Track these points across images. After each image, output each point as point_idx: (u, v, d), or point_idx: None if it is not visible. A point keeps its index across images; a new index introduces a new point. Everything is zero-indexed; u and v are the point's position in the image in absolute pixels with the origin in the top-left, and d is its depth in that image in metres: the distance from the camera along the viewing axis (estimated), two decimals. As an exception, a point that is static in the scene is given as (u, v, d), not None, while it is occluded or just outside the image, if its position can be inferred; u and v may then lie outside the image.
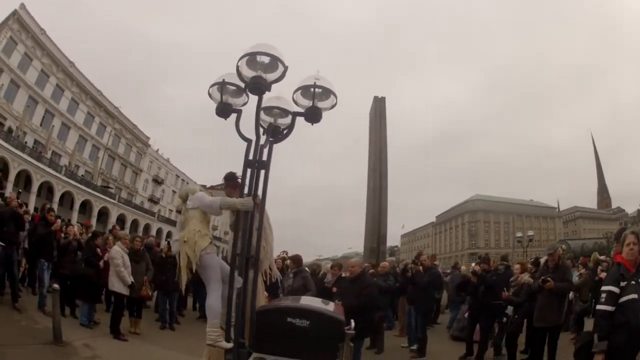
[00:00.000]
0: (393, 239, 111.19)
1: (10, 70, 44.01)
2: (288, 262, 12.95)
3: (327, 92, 5.08)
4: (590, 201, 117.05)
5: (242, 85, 5.04)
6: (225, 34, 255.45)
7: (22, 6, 44.77)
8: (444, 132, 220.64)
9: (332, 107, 5.24)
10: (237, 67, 4.83)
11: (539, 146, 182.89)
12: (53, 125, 50.23)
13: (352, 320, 5.10)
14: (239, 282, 4.99)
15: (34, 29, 46.36)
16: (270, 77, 4.88)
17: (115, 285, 9.80)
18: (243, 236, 4.99)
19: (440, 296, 12.67)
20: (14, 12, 43.78)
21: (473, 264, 13.41)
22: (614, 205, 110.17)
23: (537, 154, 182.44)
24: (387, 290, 11.36)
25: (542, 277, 8.20)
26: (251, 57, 4.78)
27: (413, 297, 11.06)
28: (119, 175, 65.54)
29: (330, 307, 5.61)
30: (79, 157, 55.19)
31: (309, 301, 6.13)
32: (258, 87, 4.84)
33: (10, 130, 43.58)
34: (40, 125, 49.45)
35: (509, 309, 9.05)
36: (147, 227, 66.33)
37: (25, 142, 45.34)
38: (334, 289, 9.01)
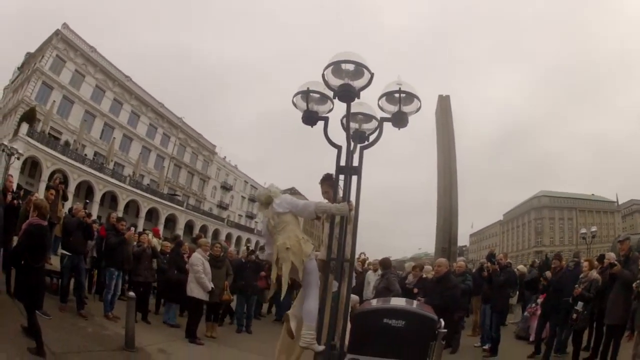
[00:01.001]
0: (462, 238, 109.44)
1: (62, 87, 45.93)
2: (368, 264, 13.21)
3: (410, 97, 5.14)
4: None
5: (326, 92, 5.15)
6: (283, 43, 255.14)
7: (65, 25, 46.46)
8: (505, 131, 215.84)
9: (417, 110, 5.29)
10: (323, 75, 4.92)
11: (596, 140, 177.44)
12: (114, 137, 51.75)
13: (442, 320, 5.15)
14: (334, 286, 5.16)
15: (82, 47, 48.12)
16: (358, 84, 4.95)
17: (195, 291, 10.03)
18: (337, 240, 5.11)
19: (515, 295, 12.56)
20: (57, 32, 45.51)
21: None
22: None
23: (595, 148, 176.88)
24: (466, 291, 11.37)
25: (611, 262, 8.26)
26: (336, 66, 4.86)
27: (488, 296, 11.09)
28: (186, 183, 67.12)
29: (422, 306, 5.72)
30: (143, 167, 56.55)
31: (399, 301, 6.26)
32: (347, 94, 4.92)
33: (67, 143, 45.18)
34: (100, 137, 51.21)
35: (579, 305, 8.94)
36: (216, 232, 67.28)
37: (85, 155, 46.92)
38: (415, 290, 9.10)
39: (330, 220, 5.27)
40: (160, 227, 52.82)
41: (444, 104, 35.78)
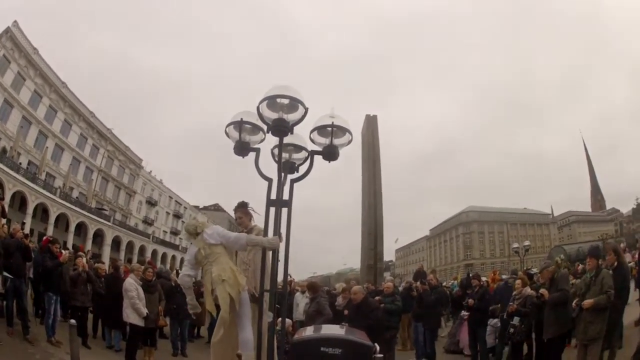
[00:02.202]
0: (388, 253, 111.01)
1: (4, 89, 43.72)
2: (295, 285, 13.30)
3: (342, 130, 5.24)
4: (584, 205, 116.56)
5: (259, 123, 5.19)
6: (210, 60, 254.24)
7: (15, 23, 44.49)
8: (434, 148, 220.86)
9: (349, 143, 5.41)
10: (258, 109, 4.96)
11: (530, 156, 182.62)
12: (47, 147, 49.93)
13: (377, 345, 5.34)
14: (269, 316, 5.22)
15: (26, 48, 46.07)
16: (292, 117, 5.03)
17: (131, 317, 9.90)
18: (266, 273, 5.22)
19: (447, 312, 12.92)
20: (7, 30, 43.47)
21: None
22: (608, 207, 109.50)
23: (529, 164, 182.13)
24: (395, 311, 11.57)
25: (539, 291, 8.69)
26: (271, 100, 4.93)
27: (419, 315, 11.48)
28: (113, 197, 65.13)
29: (356, 334, 5.82)
30: (73, 179, 54.82)
31: (334, 329, 6.36)
32: (281, 130, 5.01)
33: (4, 150, 43.45)
34: (34, 146, 49.25)
35: (515, 320, 9.26)
36: (142, 249, 66.01)
37: (20, 163, 44.94)
38: (346, 312, 9.22)
39: (262, 254, 5.27)
40: (88, 243, 52.38)
41: (370, 123, 36.48)
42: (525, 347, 9.66)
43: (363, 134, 36.64)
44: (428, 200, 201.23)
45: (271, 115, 5.03)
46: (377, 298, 11.09)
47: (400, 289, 14.29)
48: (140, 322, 9.98)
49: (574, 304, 7.78)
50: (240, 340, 5.24)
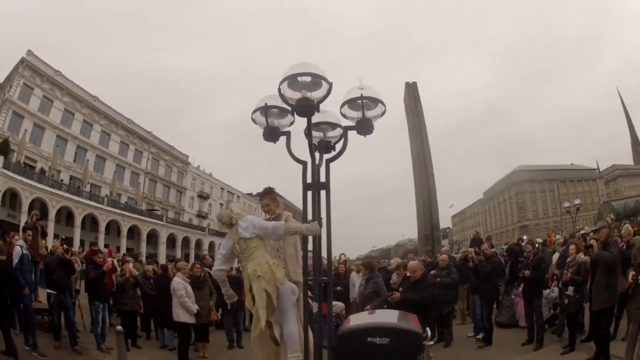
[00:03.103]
0: (444, 220, 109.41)
1: (32, 115, 45.21)
2: (352, 266, 13.03)
3: (374, 101, 4.98)
4: (626, 158, 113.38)
5: (285, 106, 4.96)
6: (240, 50, 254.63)
7: (30, 52, 45.58)
8: (475, 112, 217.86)
9: (382, 114, 5.15)
10: (280, 90, 4.74)
11: (569, 111, 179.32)
12: (87, 160, 51.07)
13: (428, 329, 5.06)
14: (314, 307, 4.98)
15: (47, 72, 47.22)
16: (316, 95, 4.79)
17: (181, 316, 9.82)
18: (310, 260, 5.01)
19: (503, 283, 12.41)
20: (22, 60, 44.74)
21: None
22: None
23: (569, 120, 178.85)
24: (452, 284, 11.23)
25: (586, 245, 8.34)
26: (292, 79, 4.68)
27: (476, 286, 11.07)
28: (163, 197, 66.23)
29: (407, 319, 5.54)
30: (119, 185, 55.72)
31: (385, 316, 6.09)
32: (306, 109, 4.78)
33: (42, 171, 44.50)
34: (74, 161, 50.59)
35: (569, 289, 8.83)
36: (198, 243, 66.83)
37: (61, 180, 46.28)
38: (398, 292, 8.90)
39: (303, 241, 5.19)
40: (143, 244, 53.46)
41: (411, 91, 35.58)
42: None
43: (405, 102, 35.86)
44: (476, 163, 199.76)
45: (294, 95, 4.80)
46: (432, 272, 10.76)
47: (457, 258, 13.92)
48: (191, 320, 9.91)
49: (630, 277, 7.40)
50: (284, 334, 5.06)
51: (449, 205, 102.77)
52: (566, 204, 46.90)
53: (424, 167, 32.70)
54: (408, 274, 9.27)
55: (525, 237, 26.80)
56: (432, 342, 4.99)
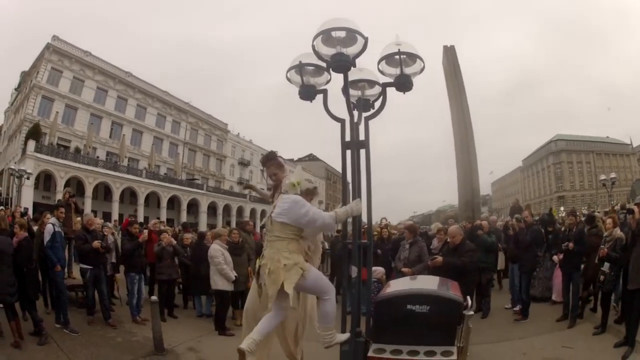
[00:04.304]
0: (484, 187, 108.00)
1: (62, 96, 46.19)
2: (394, 230, 12.81)
3: (412, 57, 4.83)
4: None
5: (321, 64, 4.82)
6: (278, 15, 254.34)
7: (55, 37, 46.27)
8: (513, 80, 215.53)
9: (421, 70, 4.99)
10: (314, 46, 4.60)
11: (605, 84, 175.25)
12: (124, 134, 51.59)
13: (469, 298, 4.97)
14: (353, 271, 4.83)
15: (76, 54, 47.93)
16: (351, 51, 4.61)
17: (219, 283, 9.75)
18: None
19: (542, 253, 12.01)
20: (48, 46, 45.48)
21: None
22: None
23: (604, 92, 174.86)
24: (491, 248, 10.95)
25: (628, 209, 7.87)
26: (327, 35, 4.53)
27: (515, 256, 10.66)
28: (203, 166, 66.52)
29: (448, 287, 5.39)
30: (158, 157, 56.45)
31: (426, 282, 5.93)
32: (342, 64, 4.60)
33: (77, 149, 45.51)
34: (110, 137, 51.38)
35: (605, 266, 8.46)
36: (240, 210, 66.82)
37: (97, 157, 47.27)
38: (439, 257, 8.70)
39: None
40: (183, 214, 54.32)
41: (449, 54, 34.67)
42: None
43: (444, 66, 35.15)
44: (515, 130, 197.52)
45: (329, 51, 4.65)
46: (479, 232, 10.75)
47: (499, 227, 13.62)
48: (229, 287, 9.83)
49: None
50: (320, 313, 4.84)
51: (489, 172, 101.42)
52: (602, 177, 45.97)
53: (465, 133, 32.03)
54: (448, 240, 9.07)
55: (562, 209, 26.34)
56: (472, 312, 4.84)
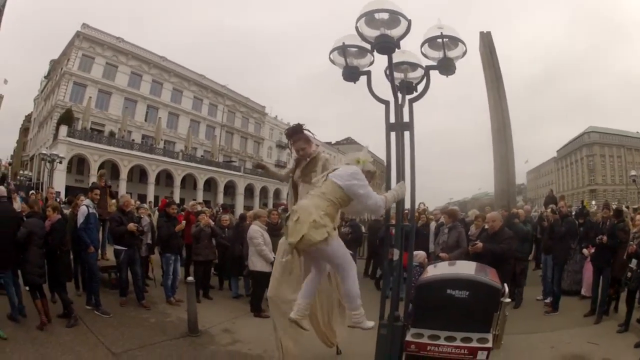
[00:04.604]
0: (519, 176, 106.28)
1: (95, 82, 46.82)
2: (431, 215, 12.67)
3: (455, 41, 4.78)
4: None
5: (365, 45, 4.79)
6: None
7: (85, 25, 46.77)
8: (545, 69, 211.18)
9: (463, 54, 4.94)
10: (357, 28, 4.56)
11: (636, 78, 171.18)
12: (159, 117, 52.01)
13: (506, 285, 4.89)
14: (395, 254, 4.79)
15: (107, 40, 48.46)
16: (395, 33, 4.55)
17: (257, 264, 9.71)
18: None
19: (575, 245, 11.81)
20: (78, 34, 46.08)
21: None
22: None
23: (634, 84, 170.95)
24: (527, 237, 10.80)
25: None
26: (369, 16, 4.49)
27: (549, 247, 10.47)
28: (240, 148, 66.58)
29: (487, 273, 5.37)
30: (194, 140, 56.58)
31: (466, 267, 5.87)
32: (386, 45, 4.57)
33: (112, 133, 46.14)
34: (145, 120, 51.95)
35: (633, 262, 8.26)
36: (277, 192, 66.61)
37: (133, 140, 47.95)
38: (478, 244, 8.60)
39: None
40: (220, 196, 54.72)
41: (486, 40, 34.09)
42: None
43: (481, 52, 34.59)
44: (548, 120, 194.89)
45: (372, 33, 4.61)
46: (516, 221, 10.52)
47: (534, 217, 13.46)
48: (267, 269, 9.50)
49: None
50: (343, 294, 4.76)
51: (525, 161, 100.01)
52: (632, 172, 45.15)
53: (502, 120, 31.58)
54: (486, 226, 8.96)
55: (593, 202, 25.96)
56: (509, 300, 4.79)
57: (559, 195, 27.66)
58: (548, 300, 10.14)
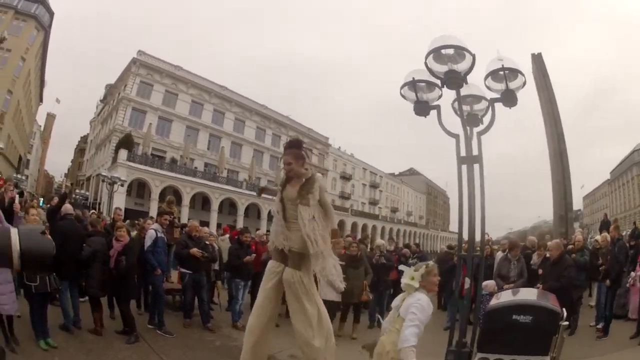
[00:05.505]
0: (576, 201, 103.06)
1: (155, 109, 47.51)
2: (495, 246, 12.60)
3: (514, 72, 4.86)
4: None
5: (433, 80, 4.89)
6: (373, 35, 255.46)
7: (141, 52, 47.53)
8: (594, 87, 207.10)
9: (523, 85, 4.99)
10: (426, 64, 4.66)
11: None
12: (222, 146, 52.06)
13: (564, 310, 4.90)
14: (467, 283, 4.86)
15: (165, 68, 49.13)
16: (461, 67, 4.67)
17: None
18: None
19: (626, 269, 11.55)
20: (134, 60, 46.80)
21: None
22: None
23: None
24: (583, 266, 10.64)
25: None
26: (437, 52, 4.61)
27: (605, 271, 10.27)
28: None
29: (548, 298, 5.42)
30: (258, 169, 56.70)
31: (528, 294, 5.91)
32: (455, 81, 4.68)
33: (173, 160, 46.56)
34: (208, 148, 52.40)
35: None
36: (341, 223, 64.50)
37: (195, 167, 48.25)
38: (540, 271, 8.57)
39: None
40: None
41: (538, 63, 33.51)
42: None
43: (534, 75, 33.97)
44: (600, 141, 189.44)
45: (441, 68, 4.72)
46: (569, 247, 10.28)
47: (589, 244, 13.17)
48: (337, 298, 9.68)
49: None
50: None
51: (581, 186, 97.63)
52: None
53: (557, 144, 31.10)
54: (547, 255, 8.92)
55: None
56: (567, 322, 4.84)
57: (612, 219, 27.01)
58: (600, 326, 9.88)
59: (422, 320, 3.99)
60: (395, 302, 4.39)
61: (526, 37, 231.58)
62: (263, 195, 6.34)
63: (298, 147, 5.10)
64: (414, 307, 4.03)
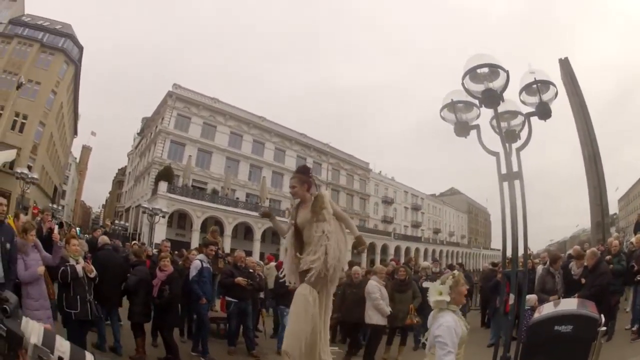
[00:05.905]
0: (612, 205, 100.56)
1: (194, 141, 48.17)
2: (536, 260, 12.51)
3: (546, 84, 4.91)
4: None
5: (470, 99, 4.95)
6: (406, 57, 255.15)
7: (176, 86, 48.21)
8: (622, 87, 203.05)
9: (555, 96, 5.01)
10: (463, 84, 4.74)
11: None
12: (264, 176, 51.96)
13: (602, 316, 4.86)
14: (511, 299, 4.90)
15: (202, 101, 49.81)
16: (497, 85, 4.73)
17: (373, 318, 9.63)
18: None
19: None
20: (170, 94, 47.49)
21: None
22: None
23: None
24: (620, 272, 10.49)
25: None
26: (473, 72, 4.68)
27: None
28: (346, 205, 65.12)
29: (586, 306, 5.38)
30: (300, 198, 56.87)
31: (568, 305, 5.92)
32: (492, 100, 4.73)
33: (214, 191, 47.04)
34: (249, 179, 52.77)
35: None
36: (384, 248, 65.89)
37: (237, 198, 48.62)
38: (583, 280, 8.53)
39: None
40: None
41: (566, 67, 33.02)
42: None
43: (563, 81, 33.45)
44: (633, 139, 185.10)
45: (477, 87, 4.79)
46: (607, 258, 10.14)
47: (625, 248, 12.95)
48: (383, 322, 9.72)
49: None
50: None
51: (615, 189, 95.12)
52: None
53: (591, 148, 30.52)
54: (586, 264, 8.89)
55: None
56: (605, 328, 4.86)
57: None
58: (635, 328, 9.76)
59: (453, 343, 3.87)
60: (429, 322, 4.26)
61: (544, 42, 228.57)
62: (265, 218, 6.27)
63: (304, 173, 5.15)
64: (440, 330, 3.94)
